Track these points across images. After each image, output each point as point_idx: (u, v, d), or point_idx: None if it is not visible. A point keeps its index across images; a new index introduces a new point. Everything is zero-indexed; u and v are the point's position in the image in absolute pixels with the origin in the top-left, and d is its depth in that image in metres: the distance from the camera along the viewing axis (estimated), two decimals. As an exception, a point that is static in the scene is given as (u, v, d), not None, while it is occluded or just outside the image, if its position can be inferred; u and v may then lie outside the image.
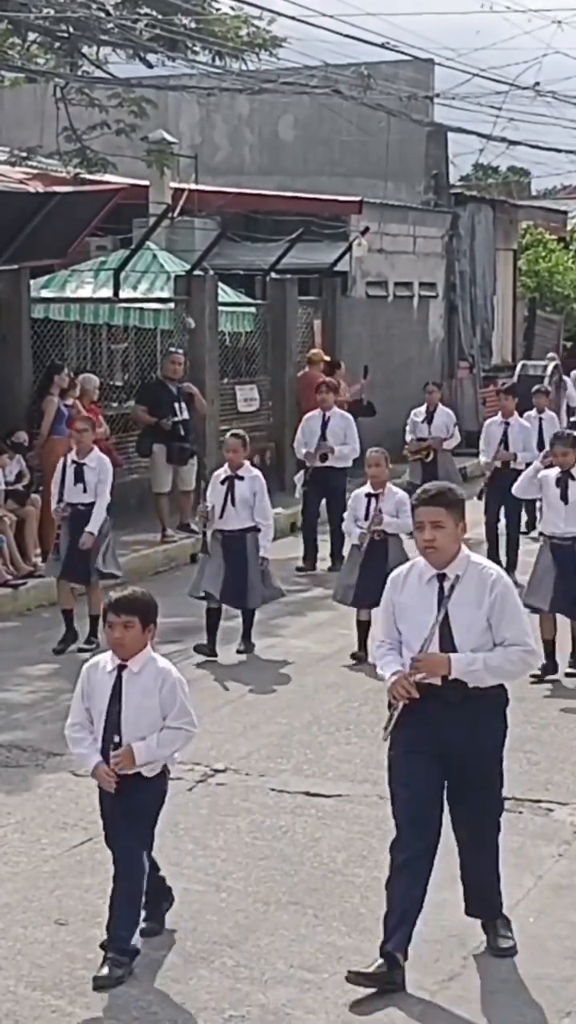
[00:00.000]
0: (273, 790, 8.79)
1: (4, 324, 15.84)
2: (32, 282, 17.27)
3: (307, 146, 27.38)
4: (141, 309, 19.10)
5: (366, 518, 11.86)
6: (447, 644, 6.37)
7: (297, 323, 21.56)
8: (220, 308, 19.39)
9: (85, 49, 19.61)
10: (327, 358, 20.89)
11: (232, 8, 20.21)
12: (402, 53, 23.35)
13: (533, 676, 10.75)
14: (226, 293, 20.04)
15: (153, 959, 6.53)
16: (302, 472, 16.07)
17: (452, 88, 24.01)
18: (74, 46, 19.28)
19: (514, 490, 12.40)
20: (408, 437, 18.11)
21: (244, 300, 21.13)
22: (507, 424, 15.54)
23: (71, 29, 18.80)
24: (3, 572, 14.10)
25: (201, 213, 22.16)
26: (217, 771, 9.13)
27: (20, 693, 11.08)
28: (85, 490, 12.38)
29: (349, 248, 22.63)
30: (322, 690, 11.09)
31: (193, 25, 19.68)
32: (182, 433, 16.88)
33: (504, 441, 15.40)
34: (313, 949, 6.65)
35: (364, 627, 11.70)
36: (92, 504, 12.41)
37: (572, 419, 22.40)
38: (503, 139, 25.63)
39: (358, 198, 23.57)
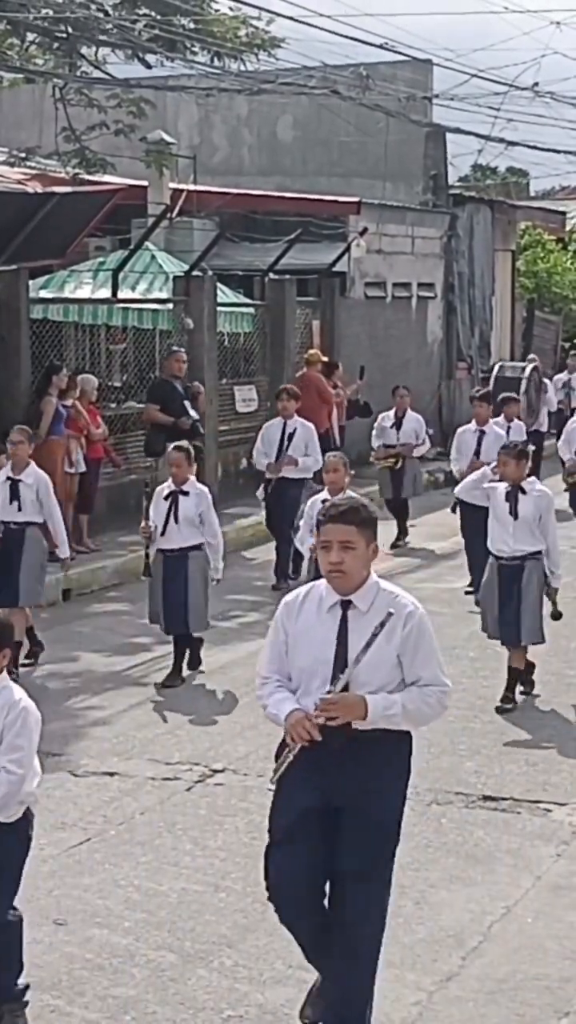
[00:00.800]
0: (272, 790, 8.78)
1: (3, 324, 15.84)
2: (31, 282, 17.27)
3: (306, 147, 27.38)
4: (140, 310, 19.11)
5: None
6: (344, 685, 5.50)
7: (296, 324, 21.56)
8: (219, 309, 19.40)
9: (84, 49, 19.60)
10: (325, 359, 20.90)
11: (231, 9, 20.22)
12: (401, 54, 23.36)
13: (499, 708, 10.40)
14: (225, 294, 20.04)
15: (151, 959, 6.54)
16: (262, 486, 15.33)
17: (451, 89, 24.03)
18: (73, 46, 19.26)
19: (457, 490, 11.83)
20: (375, 443, 17.65)
21: (243, 301, 21.14)
22: (482, 432, 14.75)
23: (70, 29, 18.79)
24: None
25: (200, 214, 22.16)
26: (215, 771, 9.14)
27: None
28: (20, 508, 11.64)
29: (348, 249, 22.64)
30: (320, 690, 11.07)
31: (192, 26, 19.67)
32: (200, 431, 16.92)
33: (478, 450, 14.52)
34: (311, 949, 6.65)
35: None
36: (27, 524, 11.65)
37: (534, 427, 20.76)
38: (502, 140, 25.65)
39: (357, 199, 23.58)
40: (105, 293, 18.47)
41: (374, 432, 17.75)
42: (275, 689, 5.67)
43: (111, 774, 8.95)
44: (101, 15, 18.76)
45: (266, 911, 7.08)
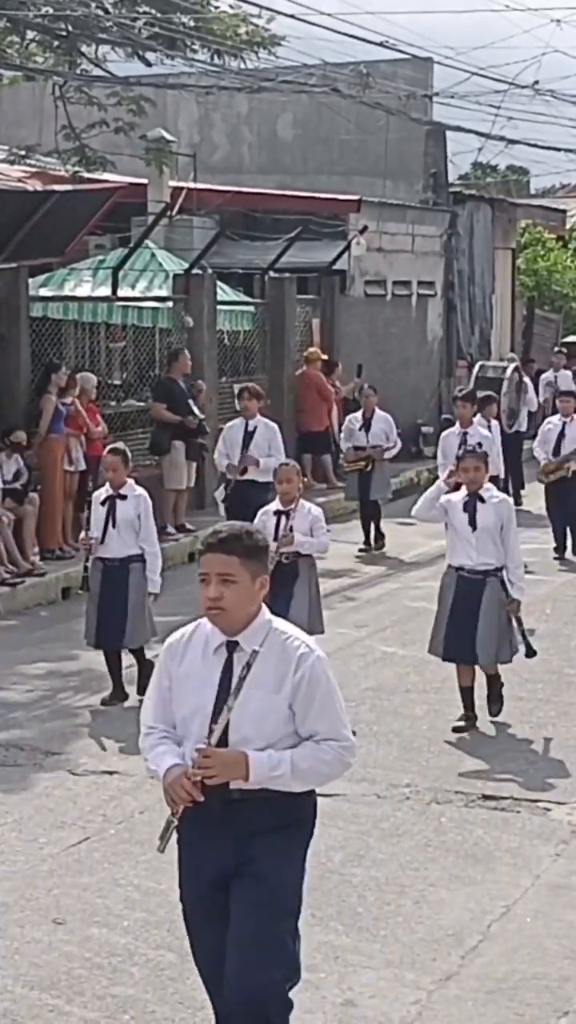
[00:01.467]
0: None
1: (2, 322, 15.83)
2: (31, 280, 17.27)
3: (306, 145, 27.37)
4: (139, 308, 19.10)
5: (276, 539, 10.28)
6: (222, 738, 4.84)
7: (295, 322, 21.57)
8: (219, 307, 19.40)
9: (84, 47, 19.57)
10: (324, 357, 20.90)
11: (231, 7, 20.21)
12: (401, 52, 23.34)
13: (456, 728, 9.87)
14: (224, 292, 20.04)
15: (151, 958, 6.54)
16: (222, 486, 14.77)
17: (451, 87, 24.04)
18: (73, 44, 19.24)
19: (413, 512, 10.95)
20: (344, 446, 17.20)
21: (243, 299, 21.13)
22: (465, 434, 14.18)
23: (70, 27, 18.77)
24: (1, 571, 14.10)
25: (200, 212, 22.16)
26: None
27: (18, 692, 11.08)
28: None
29: (348, 247, 22.63)
30: (320, 689, 11.06)
31: (192, 24, 19.66)
32: (206, 430, 16.93)
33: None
34: (310, 948, 6.63)
35: None
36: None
37: (514, 428, 19.95)
38: (502, 138, 25.64)
39: (357, 197, 23.58)
40: (105, 291, 18.47)
41: (342, 434, 17.28)
42: (158, 741, 5.01)
43: (111, 773, 8.94)
44: (101, 13, 18.74)
45: (265, 910, 7.07)
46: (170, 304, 18.92)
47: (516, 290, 30.87)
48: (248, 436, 14.64)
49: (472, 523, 9.91)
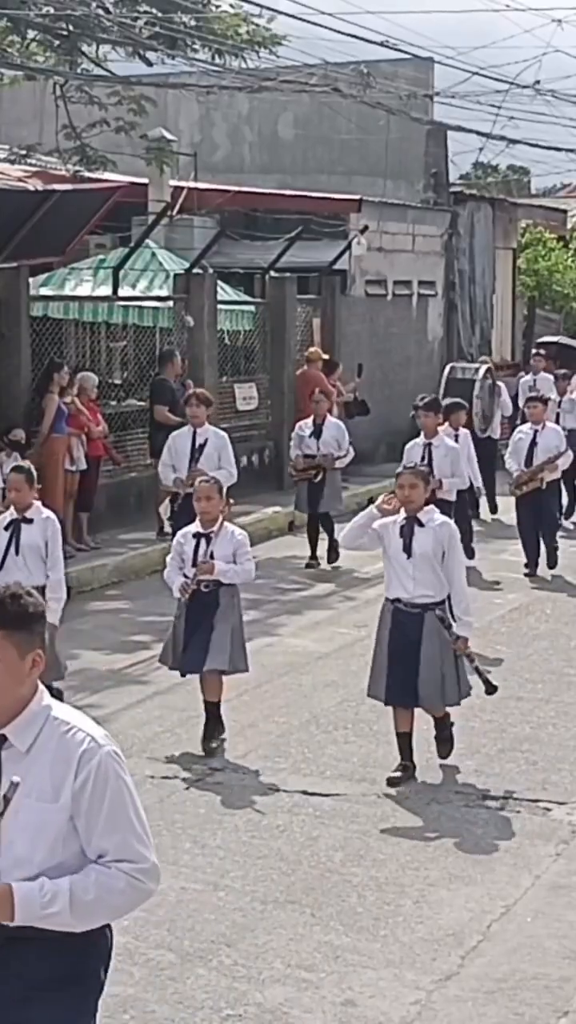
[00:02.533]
0: (271, 789, 8.80)
1: (3, 322, 15.83)
2: (31, 280, 17.27)
3: (306, 144, 27.37)
4: (140, 307, 19.10)
5: (194, 564, 9.45)
6: None
7: (296, 321, 21.57)
8: (219, 306, 19.39)
9: (85, 47, 19.59)
10: (325, 356, 20.89)
11: (232, 6, 20.20)
12: (402, 52, 23.33)
13: (391, 780, 8.78)
14: (225, 291, 20.04)
15: (150, 958, 6.54)
16: (167, 501, 13.86)
17: (452, 87, 24.03)
18: (73, 44, 19.25)
19: (341, 539, 10.18)
20: (293, 453, 16.15)
21: (243, 298, 21.13)
22: (429, 446, 13.08)
23: (71, 27, 18.78)
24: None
25: (200, 211, 22.17)
26: (215, 770, 9.14)
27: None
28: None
29: (348, 247, 22.63)
30: (320, 689, 11.09)
31: (193, 23, 19.66)
32: None
33: (429, 465, 12.36)
34: (310, 948, 6.65)
35: (210, 708, 9.55)
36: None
37: (487, 433, 18.77)
38: (503, 138, 25.63)
39: (357, 196, 23.58)
40: (105, 291, 18.47)
41: (292, 442, 16.27)
42: None
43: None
44: (102, 12, 18.75)
45: (265, 910, 7.08)
46: (171, 304, 18.92)
47: (517, 290, 30.87)
48: (197, 447, 13.55)
49: (407, 549, 8.79)
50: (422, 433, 13.33)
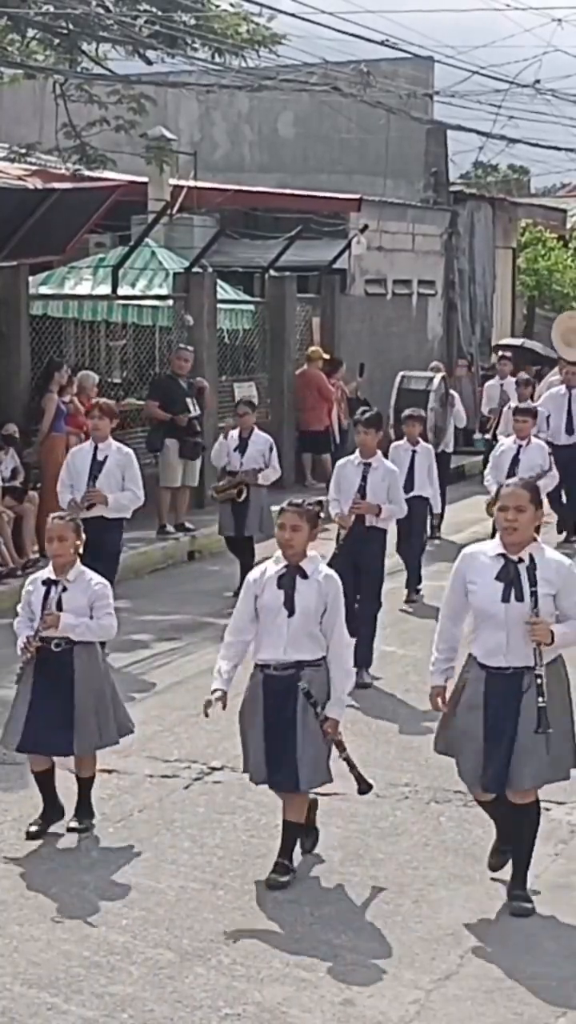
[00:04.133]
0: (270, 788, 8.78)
1: (3, 320, 15.83)
2: (31, 279, 17.28)
3: (306, 143, 27.37)
4: (140, 306, 19.11)
5: (41, 618, 7.91)
6: None
7: (296, 321, 21.57)
8: (219, 305, 19.40)
9: (85, 46, 19.58)
10: (326, 356, 20.90)
11: (232, 5, 20.19)
12: (402, 51, 23.32)
13: (270, 883, 7.26)
14: (225, 290, 20.04)
15: (149, 957, 6.54)
16: None
17: (452, 86, 24.01)
18: (73, 42, 19.25)
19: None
20: (218, 465, 14.46)
21: (243, 297, 21.14)
22: (367, 466, 11.21)
23: (71, 25, 18.77)
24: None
25: (200, 210, 22.17)
26: (214, 769, 9.13)
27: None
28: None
29: (348, 246, 22.63)
30: (319, 688, 11.06)
31: (193, 22, 19.66)
32: (197, 428, 16.89)
33: (363, 488, 11.12)
34: (309, 947, 6.65)
35: (42, 779, 8.08)
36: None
37: (441, 447, 17.15)
38: (503, 137, 25.63)
39: (357, 196, 23.58)
40: (105, 289, 18.47)
41: (212, 456, 14.69)
42: None
43: (109, 771, 8.93)
44: (102, 11, 18.73)
45: (264, 909, 7.08)
46: (170, 303, 18.92)
47: (516, 289, 30.88)
48: (96, 464, 11.76)
49: (289, 605, 7.28)
50: (358, 451, 11.33)
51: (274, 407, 20.91)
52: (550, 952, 6.65)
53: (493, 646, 7.00)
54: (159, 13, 19.09)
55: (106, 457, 11.76)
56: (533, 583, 6.86)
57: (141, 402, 17.86)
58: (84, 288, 19.16)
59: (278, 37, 20.33)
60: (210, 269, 19.29)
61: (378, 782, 8.79)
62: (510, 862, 7.22)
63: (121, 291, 18.39)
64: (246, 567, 13.32)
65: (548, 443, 15.04)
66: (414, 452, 13.97)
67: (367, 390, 21.28)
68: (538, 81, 23.95)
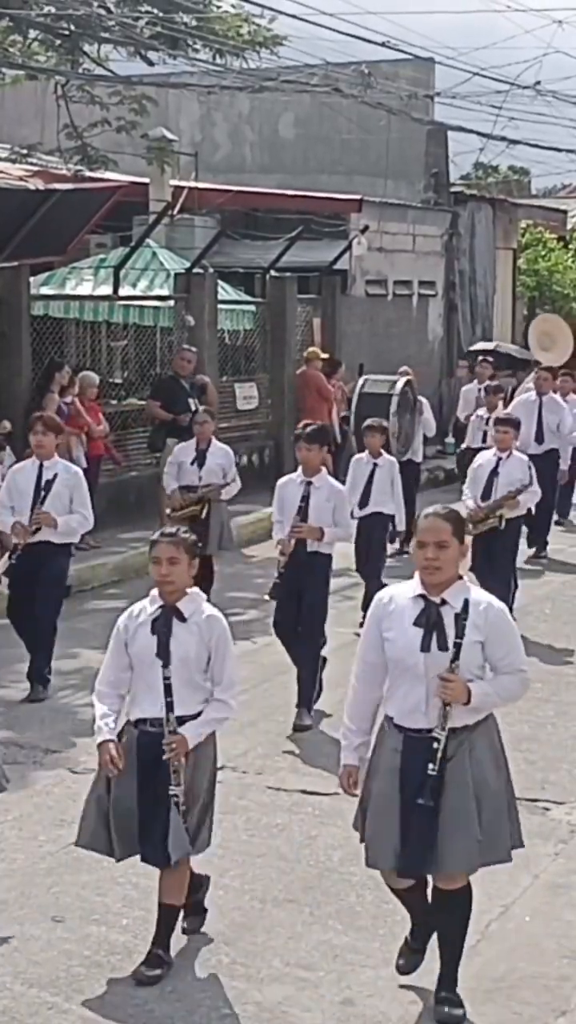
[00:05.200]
0: (270, 788, 8.80)
1: (4, 321, 15.85)
2: (32, 279, 17.29)
3: (307, 144, 27.39)
4: (141, 307, 19.13)
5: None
6: None
7: (296, 321, 21.59)
8: (220, 306, 19.41)
9: (86, 47, 19.60)
10: (324, 356, 20.91)
11: (233, 6, 20.21)
12: (403, 52, 23.35)
13: (139, 980, 6.26)
14: (226, 291, 20.06)
15: (149, 956, 6.54)
16: (6, 556, 10.78)
17: (452, 87, 24.01)
18: (75, 44, 19.27)
19: None
20: (169, 485, 13.30)
21: (244, 298, 21.16)
22: (309, 484, 10.15)
23: (72, 27, 18.79)
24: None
25: (201, 211, 22.19)
26: (214, 769, 9.14)
27: (18, 690, 11.08)
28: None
29: (349, 246, 22.65)
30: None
31: (194, 23, 19.68)
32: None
33: (305, 510, 10.10)
34: (309, 947, 6.66)
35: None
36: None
37: (407, 456, 16.24)
38: (503, 138, 25.63)
39: (358, 196, 23.59)
40: (106, 290, 18.49)
41: (166, 470, 13.56)
42: None
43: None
44: (103, 12, 18.75)
45: (264, 909, 7.09)
46: (171, 303, 18.93)
47: (517, 290, 30.89)
48: (43, 484, 10.65)
49: (163, 653, 6.34)
50: (300, 468, 10.28)
51: (275, 408, 20.93)
52: (550, 952, 6.66)
53: (412, 704, 5.92)
54: (160, 14, 19.11)
55: (54, 476, 10.64)
56: (460, 631, 5.85)
57: (142, 402, 17.87)
58: (85, 289, 19.17)
59: (279, 38, 20.35)
60: (211, 270, 19.30)
61: (378, 782, 8.80)
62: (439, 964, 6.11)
63: (122, 292, 18.40)
64: (206, 591, 12.30)
65: None
66: (375, 466, 12.99)
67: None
68: (539, 82, 23.99)
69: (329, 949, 6.62)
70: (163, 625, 6.40)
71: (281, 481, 10.48)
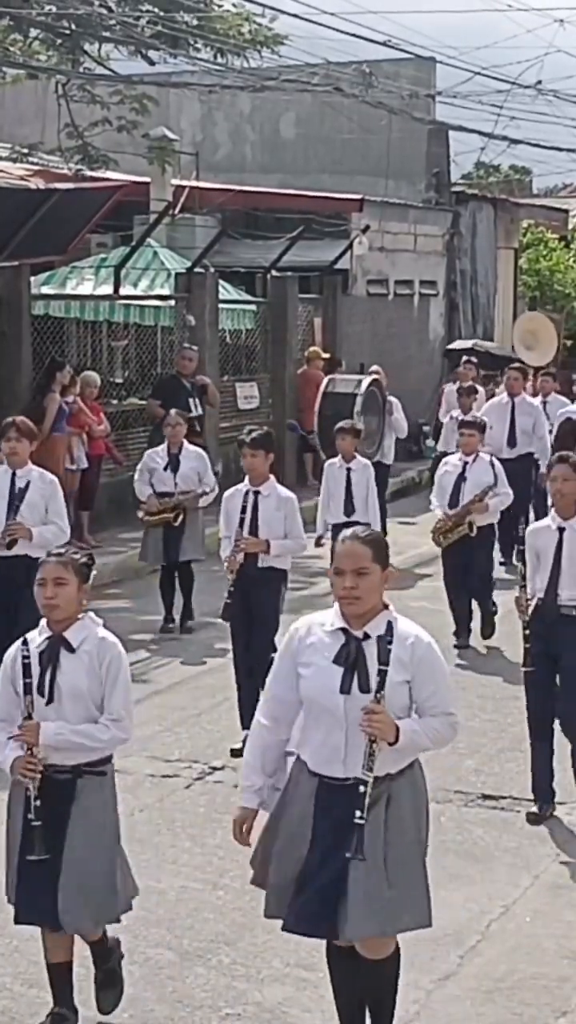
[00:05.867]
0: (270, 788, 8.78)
1: (4, 320, 15.84)
2: (32, 279, 17.29)
3: (308, 144, 27.38)
4: (141, 306, 19.13)
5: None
6: None
7: (297, 321, 21.58)
8: (220, 305, 19.41)
9: (87, 46, 19.61)
10: (325, 356, 20.89)
11: (234, 5, 20.22)
12: (404, 51, 23.35)
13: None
14: (227, 291, 20.05)
15: (149, 956, 6.54)
16: None
17: (454, 86, 24.02)
18: (76, 43, 19.27)
19: None
20: (141, 491, 12.67)
21: (245, 298, 21.16)
22: (256, 494, 9.50)
23: (73, 26, 18.79)
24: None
25: (202, 210, 22.18)
26: (215, 768, 9.14)
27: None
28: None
29: (350, 246, 22.64)
30: (320, 688, 11.06)
31: (195, 22, 19.68)
32: (197, 428, 16.86)
33: (254, 521, 9.48)
34: (309, 947, 6.64)
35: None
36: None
37: (376, 458, 15.65)
38: (504, 138, 25.65)
39: (359, 196, 23.59)
40: (107, 289, 18.49)
41: (136, 476, 12.88)
42: None
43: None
44: (104, 11, 18.76)
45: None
46: (172, 303, 18.93)
47: (518, 290, 30.89)
48: (16, 492, 10.00)
49: (48, 689, 5.70)
50: (247, 478, 9.58)
51: (276, 407, 20.93)
52: (550, 952, 6.65)
53: (329, 751, 5.25)
54: (161, 13, 19.11)
55: (27, 484, 9.99)
56: (383, 666, 5.18)
57: (143, 402, 17.87)
58: (86, 288, 19.17)
59: (280, 38, 20.36)
60: (212, 269, 19.30)
61: (379, 782, 8.79)
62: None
63: (123, 291, 18.40)
64: (188, 592, 12.75)
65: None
66: (349, 471, 12.42)
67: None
68: (540, 82, 24.00)
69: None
70: (49, 657, 5.69)
71: (227, 493, 9.73)
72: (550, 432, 15.47)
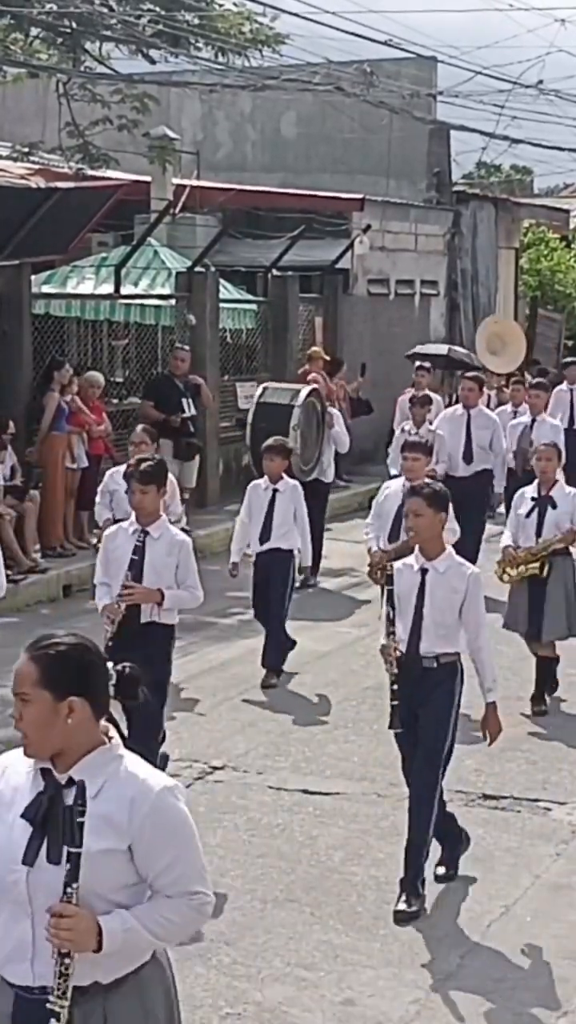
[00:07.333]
0: (271, 788, 8.79)
1: (5, 319, 15.82)
2: (33, 278, 17.26)
3: (309, 143, 27.37)
4: (142, 305, 19.12)
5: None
6: None
7: (298, 320, 21.57)
8: (221, 305, 19.40)
9: (88, 45, 19.60)
10: (326, 356, 20.88)
11: (235, 4, 20.22)
12: (405, 51, 23.35)
13: None
14: (227, 290, 20.04)
15: (149, 956, 6.53)
16: None
17: (455, 86, 24.01)
18: (77, 42, 19.27)
19: None
20: (101, 516, 11.18)
21: (245, 297, 21.14)
22: (145, 534, 8.29)
23: (74, 24, 18.79)
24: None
25: (203, 210, 22.16)
26: (215, 768, 9.14)
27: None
28: None
29: (351, 245, 22.63)
30: (320, 688, 11.08)
31: (196, 21, 19.68)
32: (190, 429, 16.83)
33: (138, 564, 8.29)
34: (310, 947, 6.65)
35: None
36: None
37: (314, 475, 14.50)
38: (506, 137, 25.65)
39: (360, 195, 23.57)
40: (107, 289, 18.48)
41: (98, 499, 11.58)
42: None
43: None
44: (105, 10, 18.76)
45: (264, 909, 7.08)
46: (173, 302, 18.92)
47: (519, 290, 30.89)
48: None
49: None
50: (134, 515, 8.34)
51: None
52: (551, 952, 6.65)
53: (12, 947, 3.71)
54: (162, 12, 19.11)
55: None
56: (76, 830, 3.61)
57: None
58: (86, 287, 19.16)
59: (281, 37, 20.36)
60: (212, 269, 19.28)
61: (378, 782, 8.80)
62: None
63: (123, 290, 18.38)
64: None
65: (445, 476, 12.28)
66: (275, 492, 11.18)
67: (368, 390, 21.29)
68: (541, 81, 23.99)
69: (330, 949, 6.61)
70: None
71: (109, 531, 8.49)
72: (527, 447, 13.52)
